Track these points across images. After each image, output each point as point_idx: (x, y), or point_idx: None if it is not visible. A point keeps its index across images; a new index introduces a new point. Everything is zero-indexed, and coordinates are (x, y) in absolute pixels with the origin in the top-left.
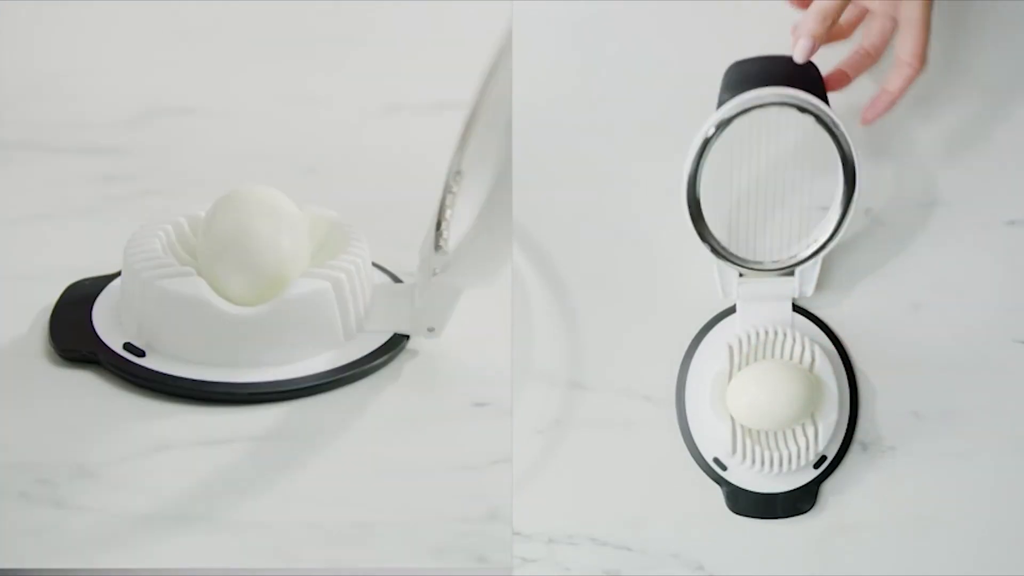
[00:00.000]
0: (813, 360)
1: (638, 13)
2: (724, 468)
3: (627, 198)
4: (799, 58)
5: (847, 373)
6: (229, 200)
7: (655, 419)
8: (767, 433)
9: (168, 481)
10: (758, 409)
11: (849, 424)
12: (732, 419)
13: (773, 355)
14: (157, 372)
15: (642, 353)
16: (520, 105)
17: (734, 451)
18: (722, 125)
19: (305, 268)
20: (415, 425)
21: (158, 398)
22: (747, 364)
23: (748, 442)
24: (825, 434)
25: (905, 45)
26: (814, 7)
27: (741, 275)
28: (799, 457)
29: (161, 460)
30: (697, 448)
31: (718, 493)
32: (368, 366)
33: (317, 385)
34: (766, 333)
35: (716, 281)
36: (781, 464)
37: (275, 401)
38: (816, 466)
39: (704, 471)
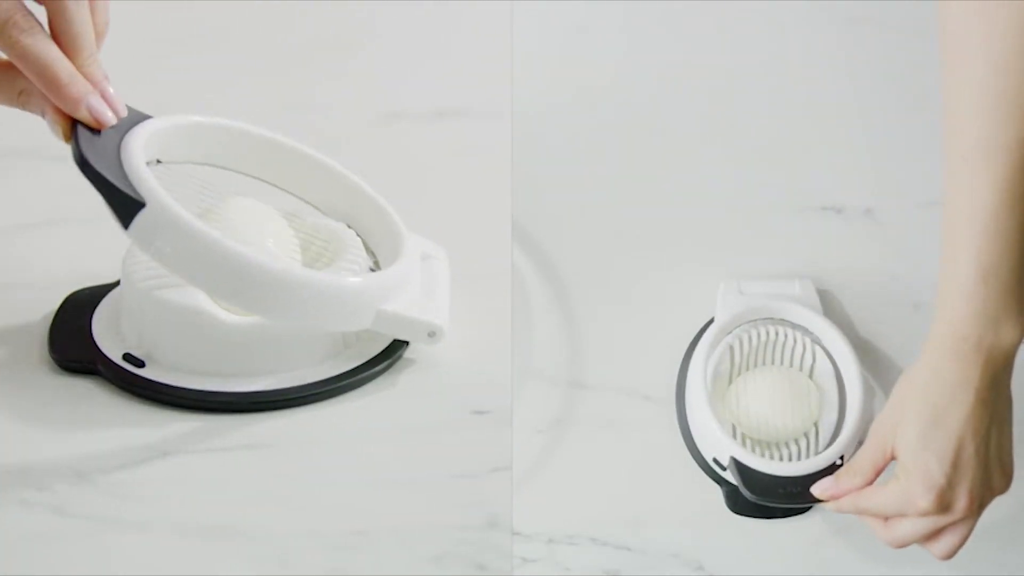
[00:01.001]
0: (814, 361)
1: (638, 13)
2: (724, 468)
3: (627, 198)
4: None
5: (850, 372)
6: (210, 216)
7: (655, 419)
8: None
9: (167, 490)
10: (759, 424)
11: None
12: (732, 420)
13: (773, 358)
14: (156, 383)
15: (642, 353)
16: (520, 105)
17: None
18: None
19: None
20: (415, 433)
21: (157, 407)
22: (748, 366)
23: (748, 443)
24: (825, 435)
25: (949, 540)
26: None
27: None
28: (799, 458)
29: (160, 468)
30: (697, 448)
31: (718, 493)
32: (367, 373)
33: (316, 393)
34: (767, 333)
35: (719, 297)
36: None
37: (274, 409)
38: None
39: (704, 471)
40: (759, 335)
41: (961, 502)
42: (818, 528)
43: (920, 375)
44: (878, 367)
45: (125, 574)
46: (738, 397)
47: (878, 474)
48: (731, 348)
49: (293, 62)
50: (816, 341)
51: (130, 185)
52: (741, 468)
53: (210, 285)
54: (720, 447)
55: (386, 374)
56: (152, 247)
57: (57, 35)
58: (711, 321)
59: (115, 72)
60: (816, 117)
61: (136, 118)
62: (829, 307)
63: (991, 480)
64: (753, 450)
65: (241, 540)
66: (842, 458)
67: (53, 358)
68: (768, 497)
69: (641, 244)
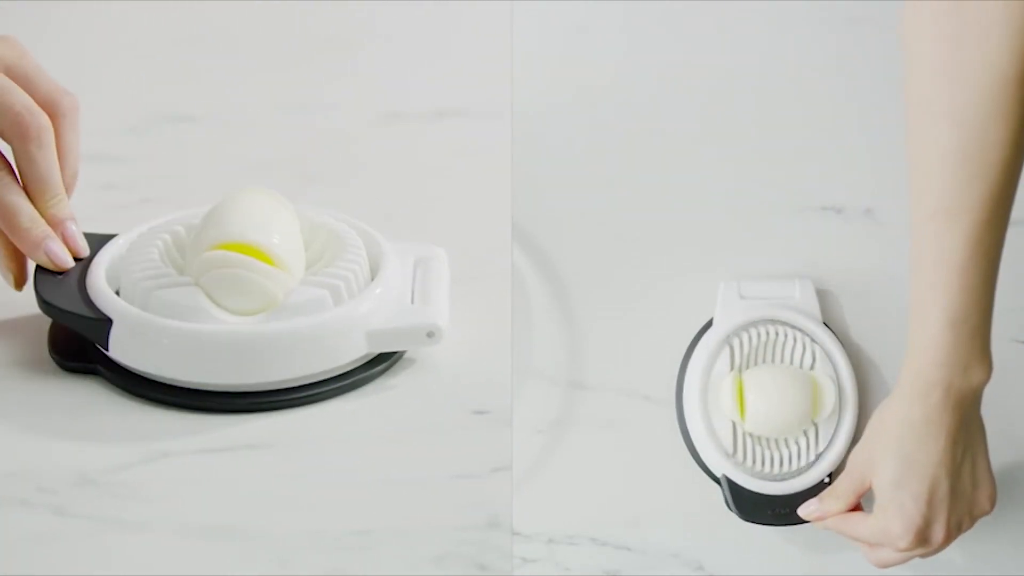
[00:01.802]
0: (814, 360)
1: (638, 13)
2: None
3: (627, 198)
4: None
5: (848, 373)
6: (217, 214)
7: (655, 419)
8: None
9: (168, 490)
10: (759, 419)
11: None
12: (732, 420)
13: (774, 357)
14: (156, 383)
15: (642, 353)
16: (520, 105)
17: (734, 451)
18: None
19: (301, 276)
20: (415, 433)
21: (158, 407)
22: (747, 366)
23: (749, 442)
24: (825, 435)
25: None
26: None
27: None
28: (799, 457)
29: (161, 468)
30: (696, 448)
31: (718, 493)
32: (367, 373)
33: (317, 393)
34: (767, 334)
35: (718, 297)
36: (781, 464)
37: (275, 410)
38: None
39: (704, 471)
40: (759, 335)
41: (938, 536)
42: (818, 528)
43: (891, 418)
44: (877, 367)
45: (126, 574)
46: (739, 394)
47: (859, 498)
48: (731, 348)
49: (293, 62)
50: (816, 341)
51: (95, 308)
52: (733, 488)
53: (204, 370)
54: (714, 464)
55: (386, 374)
56: (140, 355)
57: (22, 176)
58: (711, 321)
59: (118, 71)
60: (816, 117)
61: (100, 242)
62: (829, 307)
63: (972, 508)
64: (753, 449)
65: (242, 540)
66: (830, 476)
67: (53, 358)
68: (758, 517)
69: (641, 244)
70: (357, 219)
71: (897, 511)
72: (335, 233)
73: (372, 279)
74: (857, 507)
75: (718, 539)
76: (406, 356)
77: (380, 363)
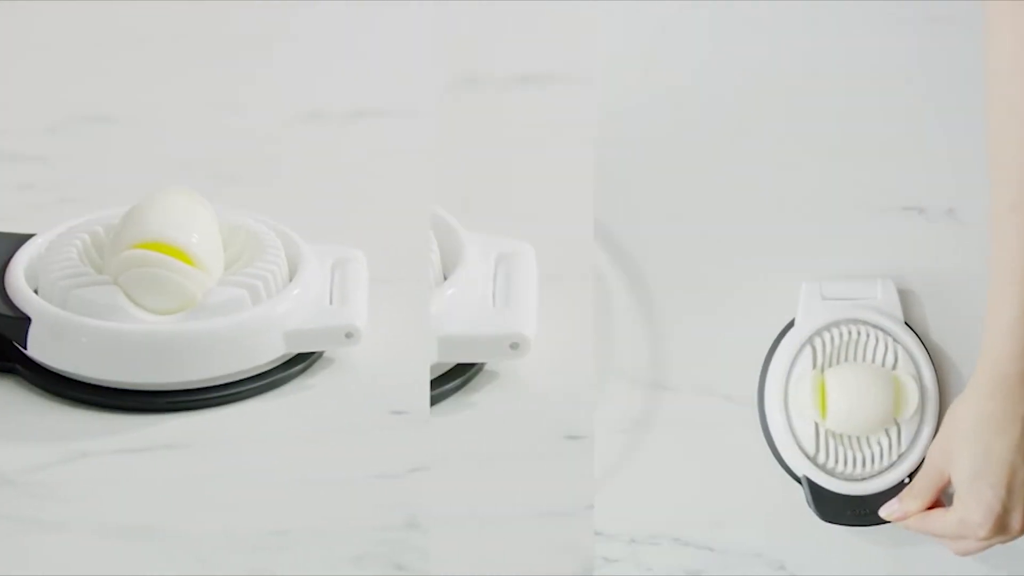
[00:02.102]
0: (896, 361)
1: (724, 9)
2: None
3: (712, 199)
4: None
5: (930, 373)
6: (137, 213)
7: (737, 419)
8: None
9: (86, 489)
10: (841, 416)
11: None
12: (814, 420)
13: (855, 356)
14: (75, 382)
15: (724, 353)
16: (602, 108)
17: (815, 452)
18: None
19: (220, 276)
20: (333, 433)
21: (76, 407)
22: (830, 365)
23: (831, 442)
24: (907, 435)
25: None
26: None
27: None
28: (881, 457)
29: (79, 468)
30: (777, 448)
31: (800, 493)
32: (286, 373)
33: (236, 393)
34: (849, 333)
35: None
36: (863, 464)
37: (193, 409)
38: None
39: (785, 471)
40: (841, 335)
41: (1017, 523)
42: (902, 527)
43: (967, 412)
44: (958, 368)
45: (43, 574)
46: (821, 393)
47: (938, 493)
48: (813, 348)
49: (214, 62)
50: (898, 342)
51: (13, 306)
52: (813, 489)
53: (122, 369)
54: (795, 464)
55: (304, 374)
56: (59, 353)
57: None
58: (793, 321)
59: (36, 70)
60: (898, 117)
61: (19, 242)
62: (911, 308)
63: None
64: (835, 450)
65: (160, 540)
66: (911, 476)
67: None
68: (839, 518)
69: (723, 245)
70: (276, 220)
71: (976, 501)
72: (254, 234)
73: (291, 280)
74: (937, 503)
75: (800, 539)
76: (324, 356)
77: (298, 363)
